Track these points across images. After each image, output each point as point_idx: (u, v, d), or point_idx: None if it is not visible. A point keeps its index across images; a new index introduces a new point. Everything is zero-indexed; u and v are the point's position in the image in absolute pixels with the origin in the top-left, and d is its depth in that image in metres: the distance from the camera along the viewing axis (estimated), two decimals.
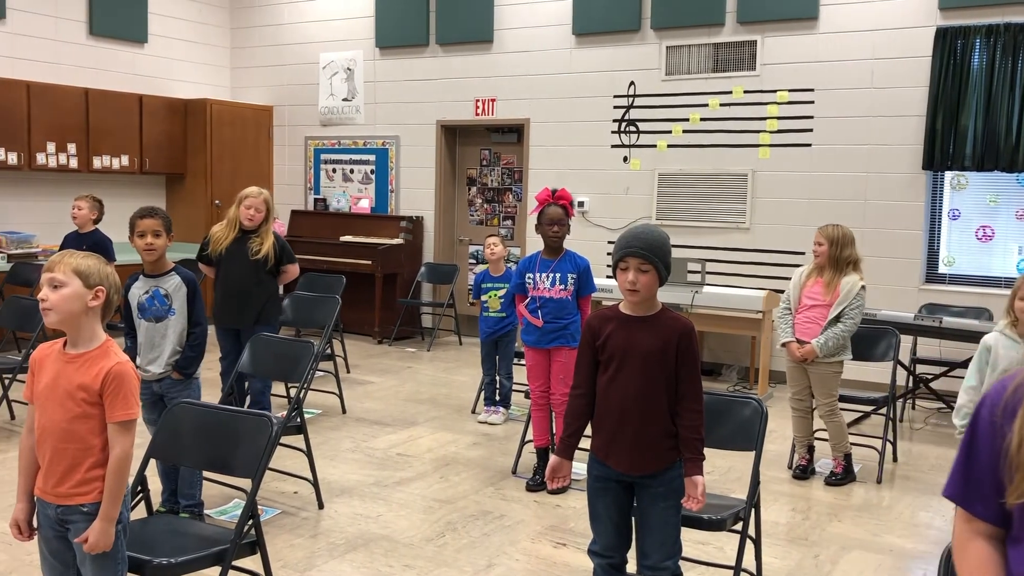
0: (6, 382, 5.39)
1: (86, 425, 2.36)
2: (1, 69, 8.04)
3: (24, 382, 5.38)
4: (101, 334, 2.43)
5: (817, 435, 5.01)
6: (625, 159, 7.91)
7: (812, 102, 7.10)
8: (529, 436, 4.88)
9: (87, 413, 2.36)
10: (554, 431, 4.72)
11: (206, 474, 3.91)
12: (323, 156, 9.76)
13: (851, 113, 6.95)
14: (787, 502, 4.58)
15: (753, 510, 3.25)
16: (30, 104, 8.05)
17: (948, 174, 6.80)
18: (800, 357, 4.81)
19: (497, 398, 6.00)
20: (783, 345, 4.92)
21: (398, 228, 9.00)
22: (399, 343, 8.75)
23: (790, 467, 5.07)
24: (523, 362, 4.92)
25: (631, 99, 7.85)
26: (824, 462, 5.06)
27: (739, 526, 3.20)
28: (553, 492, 4.55)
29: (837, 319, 4.72)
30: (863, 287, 4.78)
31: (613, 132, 7.95)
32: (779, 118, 7.25)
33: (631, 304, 2.73)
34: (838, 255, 4.76)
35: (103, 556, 2.37)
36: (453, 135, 9.10)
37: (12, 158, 7.95)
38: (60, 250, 6.48)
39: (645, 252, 2.64)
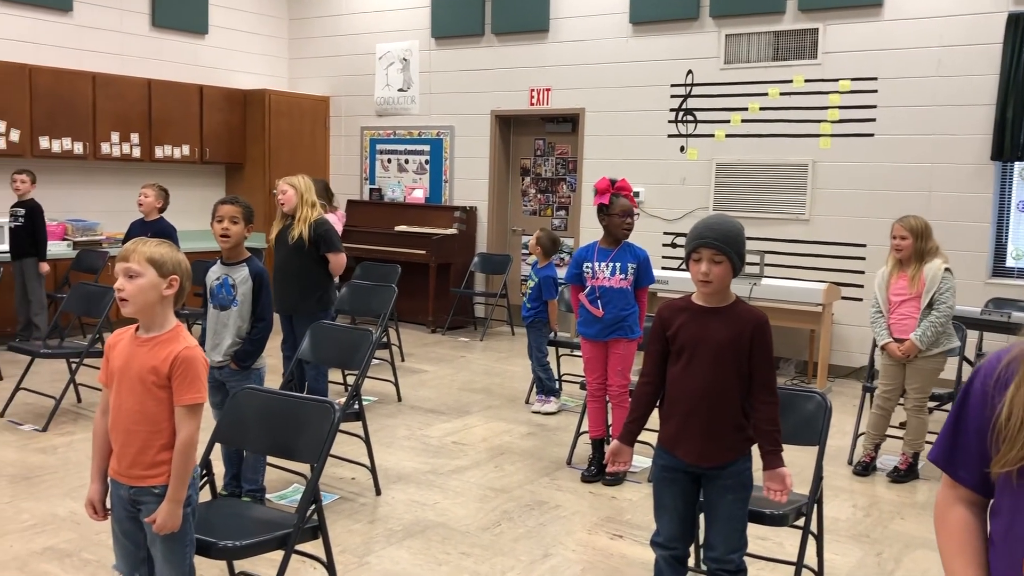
0: (73, 366, 5.53)
1: (156, 408, 2.40)
2: (68, 61, 8.24)
3: (91, 366, 5.54)
4: (172, 319, 2.48)
5: (889, 432, 4.90)
6: (682, 149, 7.83)
7: (875, 91, 6.94)
8: (584, 427, 4.86)
9: (157, 396, 2.40)
10: (610, 422, 4.70)
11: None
12: (378, 146, 9.82)
13: (916, 102, 6.78)
14: (848, 498, 4.50)
15: (816, 506, 3.19)
16: (95, 95, 8.24)
17: (1017, 165, 6.60)
18: (903, 354, 4.68)
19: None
20: (882, 348, 4.80)
21: (452, 218, 9.03)
22: (452, 332, 8.78)
23: (850, 463, 4.98)
24: (578, 354, 4.90)
25: (689, 88, 7.75)
26: (887, 459, 4.96)
27: (801, 522, 3.15)
28: (610, 481, 4.53)
29: (930, 307, 4.61)
30: (947, 269, 4.65)
31: (670, 122, 7.87)
32: (841, 107, 7.10)
33: (704, 295, 2.70)
34: (923, 247, 4.65)
35: (172, 537, 2.42)
36: (507, 125, 9.09)
37: (78, 148, 8.15)
38: (125, 237, 6.70)
39: (719, 243, 2.61)
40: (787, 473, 2.70)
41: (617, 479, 4.56)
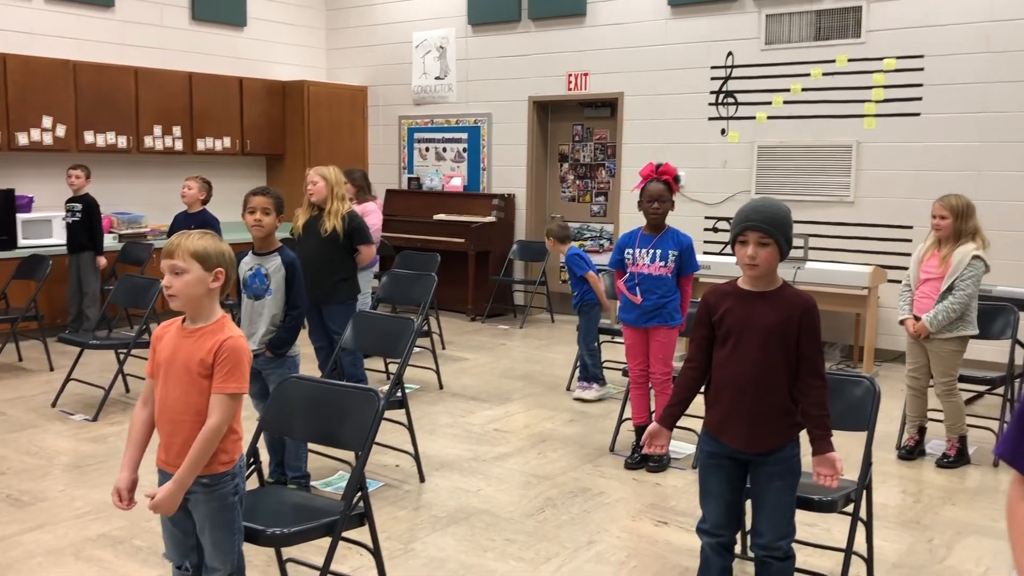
0: (121, 357, 5.63)
1: (201, 398, 2.42)
2: (111, 56, 8.35)
3: (138, 357, 5.63)
4: (218, 310, 2.50)
5: (931, 415, 4.82)
6: (723, 132, 7.73)
7: (921, 69, 6.79)
8: (627, 414, 4.84)
9: (202, 386, 2.42)
10: (653, 409, 4.67)
11: (310, 446, 4.01)
12: (416, 135, 9.84)
13: (964, 80, 6.62)
14: (897, 484, 4.43)
15: (864, 492, 3.14)
16: (138, 89, 8.35)
17: None
18: (914, 333, 4.63)
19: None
20: (901, 322, 4.74)
21: (490, 206, 9.02)
22: (492, 320, 8.79)
23: (898, 448, 4.90)
24: (620, 340, 4.87)
25: (729, 70, 7.65)
26: (935, 443, 4.87)
27: (850, 508, 3.10)
28: (654, 467, 4.50)
29: (949, 291, 4.52)
30: (976, 256, 4.53)
31: (710, 104, 7.78)
32: (886, 87, 6.96)
33: (750, 279, 2.66)
34: (961, 227, 4.55)
35: (221, 526, 2.44)
36: (545, 111, 9.05)
37: (122, 142, 8.27)
38: (170, 230, 6.79)
39: (765, 226, 2.57)
40: (837, 458, 2.66)
41: (661, 465, 4.53)
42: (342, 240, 4.94)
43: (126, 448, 2.55)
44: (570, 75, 8.60)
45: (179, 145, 8.71)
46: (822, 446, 2.66)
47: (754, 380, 2.64)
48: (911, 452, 4.78)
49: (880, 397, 3.15)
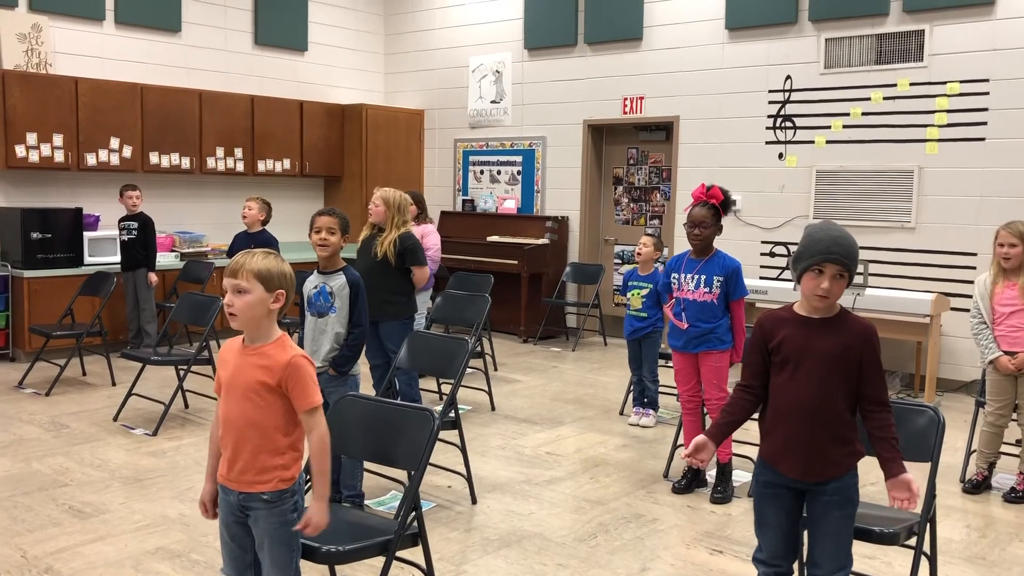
0: (181, 373, 5.74)
1: (261, 415, 2.46)
2: (177, 79, 8.59)
3: (197, 373, 5.75)
4: (276, 330, 2.53)
5: (1002, 450, 4.68)
6: (780, 156, 7.66)
7: (987, 93, 6.65)
8: (681, 440, 4.78)
9: (260, 404, 2.46)
10: None
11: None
12: (471, 158, 9.92)
13: None
14: (961, 518, 4.30)
15: (928, 525, 3.06)
16: (201, 112, 8.56)
17: None
18: (1017, 368, 4.46)
19: (644, 400, 5.92)
20: (990, 362, 4.56)
21: (544, 228, 9.04)
22: (544, 342, 8.78)
23: (962, 480, 4.76)
24: (671, 364, 4.81)
25: (787, 94, 7.59)
26: (1002, 477, 4.72)
27: (912, 541, 3.02)
28: (716, 497, 4.42)
29: None
30: None
31: (768, 128, 7.71)
32: (949, 111, 6.83)
33: (815, 308, 2.61)
34: None
35: (280, 542, 2.47)
36: (600, 134, 9.06)
37: (185, 163, 8.48)
38: (230, 250, 6.93)
39: (846, 260, 2.54)
40: (911, 479, 2.58)
41: (725, 496, 4.43)
42: (395, 261, 4.99)
43: (208, 460, 2.63)
44: (625, 99, 8.60)
45: (240, 166, 8.91)
46: (894, 468, 2.59)
47: (812, 408, 2.59)
48: (977, 486, 4.64)
49: (945, 427, 3.07)
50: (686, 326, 4.45)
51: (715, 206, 4.39)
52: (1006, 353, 4.48)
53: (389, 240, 4.95)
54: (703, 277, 4.42)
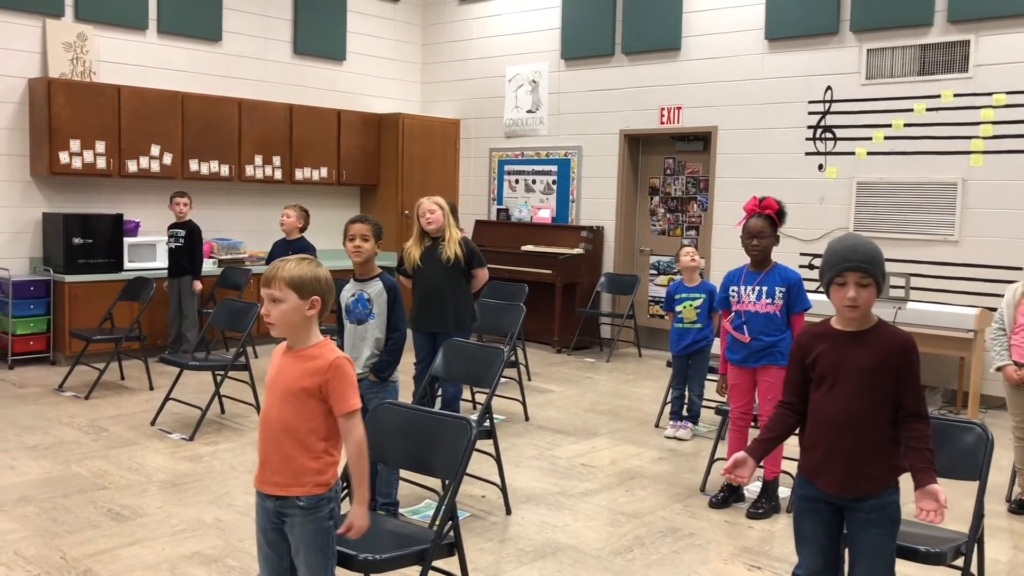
0: (218, 378, 5.78)
1: (298, 419, 2.46)
2: (217, 88, 8.69)
3: (234, 379, 5.79)
4: (317, 333, 2.54)
5: None
6: (820, 167, 7.57)
7: None
8: (719, 454, 4.72)
9: (300, 407, 2.46)
10: None
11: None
12: (506, 167, 9.92)
13: None
14: (1007, 538, 4.19)
15: (976, 545, 2.98)
16: (241, 120, 8.65)
17: None
18: (1018, 380, 4.39)
19: (685, 413, 5.85)
20: (998, 369, 4.50)
21: (578, 238, 9.01)
22: (578, 353, 8.74)
23: (1007, 500, 4.65)
24: (712, 378, 4.75)
25: (828, 105, 7.50)
26: None
27: (959, 562, 2.95)
28: (756, 514, 4.35)
29: None
30: None
31: (808, 139, 7.63)
32: (995, 123, 6.71)
33: (848, 320, 2.57)
34: None
35: (316, 549, 2.46)
36: (636, 144, 9.02)
37: (224, 170, 8.56)
38: (268, 257, 6.98)
39: (866, 266, 2.49)
40: (939, 490, 2.50)
41: (765, 512, 4.36)
42: (463, 266, 5.10)
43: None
44: (663, 109, 8.56)
45: (278, 174, 8.98)
46: (923, 479, 2.52)
47: (851, 423, 2.54)
48: (1022, 506, 4.53)
49: (993, 445, 3.00)
50: (748, 339, 4.38)
51: (771, 216, 4.35)
52: (1016, 364, 4.39)
53: (455, 242, 5.08)
54: (764, 288, 4.35)
